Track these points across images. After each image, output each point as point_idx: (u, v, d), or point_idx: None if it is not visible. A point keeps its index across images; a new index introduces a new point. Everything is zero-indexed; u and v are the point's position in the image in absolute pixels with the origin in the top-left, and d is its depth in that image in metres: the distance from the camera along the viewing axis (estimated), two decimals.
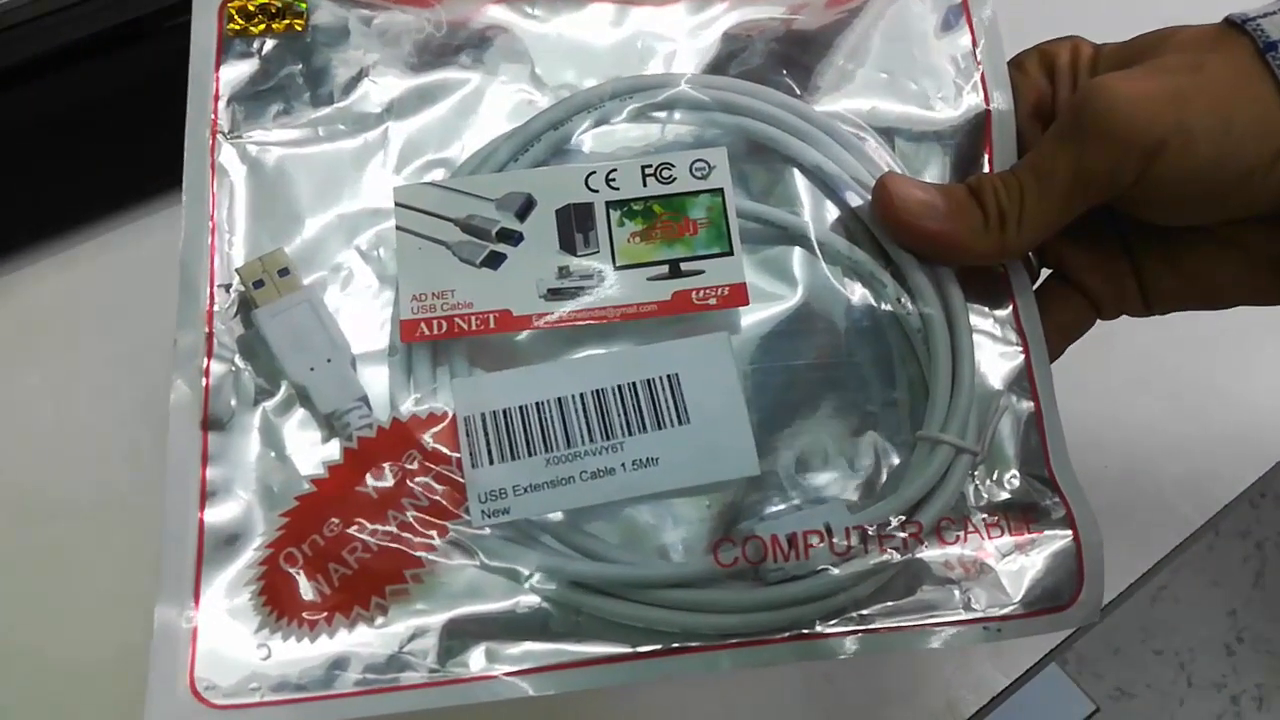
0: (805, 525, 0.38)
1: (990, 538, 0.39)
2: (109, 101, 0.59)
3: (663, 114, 0.43)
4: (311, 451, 0.39)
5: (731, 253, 0.40)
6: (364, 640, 0.37)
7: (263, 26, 0.43)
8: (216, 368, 0.39)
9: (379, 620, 0.37)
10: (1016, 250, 0.40)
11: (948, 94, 0.44)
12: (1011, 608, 0.39)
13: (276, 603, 0.37)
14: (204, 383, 0.39)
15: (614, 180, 0.41)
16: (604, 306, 0.40)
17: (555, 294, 0.40)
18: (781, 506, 0.39)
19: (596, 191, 0.41)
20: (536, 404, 0.39)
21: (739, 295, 0.40)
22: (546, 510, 0.38)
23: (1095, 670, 1.57)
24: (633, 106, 0.43)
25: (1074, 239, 0.43)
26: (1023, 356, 0.42)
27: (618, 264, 0.40)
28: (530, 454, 0.38)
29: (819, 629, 0.38)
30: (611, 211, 0.41)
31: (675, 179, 0.41)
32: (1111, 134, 0.38)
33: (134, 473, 0.53)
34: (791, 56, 0.44)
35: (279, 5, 0.43)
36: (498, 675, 0.37)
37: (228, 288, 0.40)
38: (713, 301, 0.40)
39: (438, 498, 0.38)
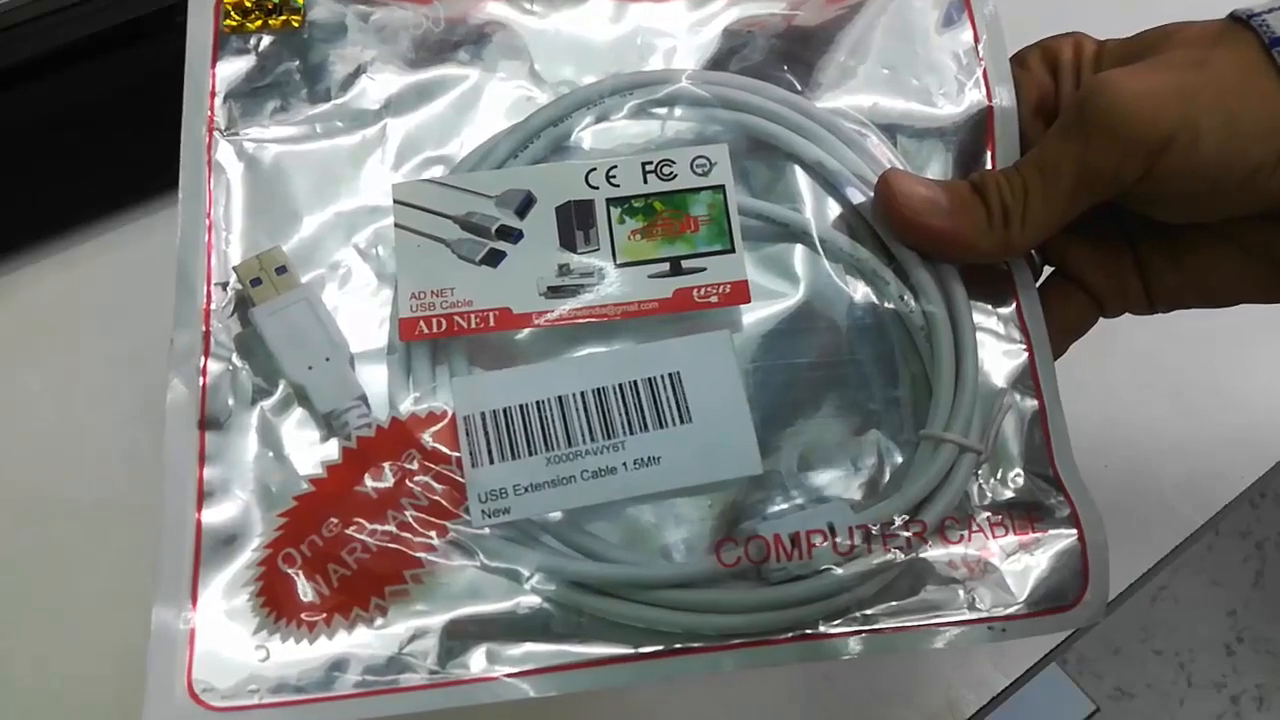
0: (808, 525, 0.38)
1: (994, 537, 0.39)
2: (109, 101, 0.59)
3: (663, 110, 0.43)
4: (310, 451, 0.39)
5: (733, 250, 0.40)
6: (363, 641, 0.36)
7: (259, 23, 0.43)
8: (214, 366, 0.39)
9: (378, 621, 0.37)
10: (1020, 247, 0.40)
11: (950, 90, 0.44)
12: (1016, 607, 0.38)
13: (275, 604, 0.36)
14: (201, 382, 0.39)
15: (614, 177, 0.41)
16: (605, 304, 0.40)
17: (555, 292, 0.40)
18: (784, 506, 0.39)
19: (597, 188, 0.41)
20: (537, 403, 0.39)
21: (740, 293, 0.40)
22: (547, 510, 0.38)
23: (1095, 670, 1.56)
24: (633, 103, 0.43)
25: (1077, 236, 0.42)
26: (1026, 354, 0.41)
27: (618, 261, 0.40)
28: (531, 453, 0.38)
29: (822, 629, 0.38)
30: (612, 209, 0.41)
31: (676, 176, 0.41)
32: (1116, 130, 0.37)
33: (133, 473, 0.53)
34: (792, 53, 0.44)
35: (275, 2, 0.43)
36: (499, 676, 0.36)
37: (225, 286, 0.40)
38: (714, 299, 0.40)
39: (437, 497, 0.38)
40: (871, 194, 0.42)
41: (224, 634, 0.36)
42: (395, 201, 0.41)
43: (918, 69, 0.44)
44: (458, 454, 0.38)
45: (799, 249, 0.42)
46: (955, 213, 0.40)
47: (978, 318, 0.41)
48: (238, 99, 0.42)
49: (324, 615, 0.36)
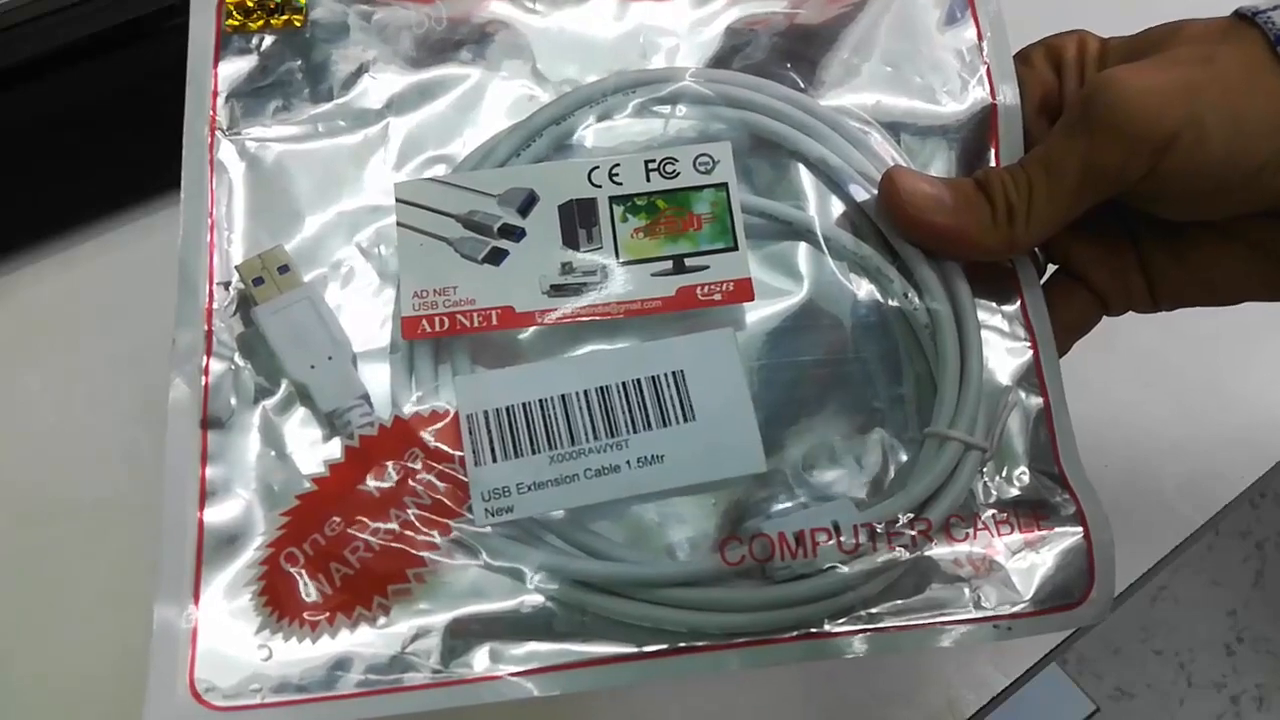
0: (813, 523, 0.38)
1: (1000, 535, 0.39)
2: (109, 101, 0.59)
3: (666, 109, 0.43)
4: (312, 450, 0.39)
5: (736, 248, 0.40)
6: (366, 641, 0.36)
7: (261, 23, 0.43)
8: (216, 366, 0.39)
9: (381, 620, 0.37)
10: (1025, 245, 0.40)
11: (953, 88, 0.44)
12: (1022, 606, 0.38)
13: (277, 603, 0.36)
14: (203, 381, 0.39)
15: (617, 175, 0.41)
16: (608, 303, 0.39)
17: (558, 290, 0.40)
18: (788, 504, 0.39)
19: (599, 187, 0.41)
20: (540, 401, 0.38)
21: (744, 291, 0.40)
22: (550, 508, 0.38)
23: (1095, 670, 1.56)
24: (636, 101, 0.43)
25: (1080, 234, 0.42)
26: (1031, 352, 0.41)
27: (621, 260, 0.40)
28: (534, 452, 0.38)
29: (827, 628, 0.38)
30: (615, 207, 0.40)
31: (679, 174, 0.41)
32: (1121, 127, 0.37)
33: (133, 473, 0.53)
34: (795, 51, 0.44)
35: (277, 1, 0.43)
36: (502, 676, 0.36)
37: (227, 285, 0.40)
38: (718, 297, 0.40)
39: (440, 496, 0.37)
40: (875, 192, 0.42)
41: (226, 633, 0.36)
42: (398, 200, 0.40)
43: (921, 67, 0.44)
44: (460, 453, 0.38)
45: (802, 247, 0.42)
46: (960, 210, 0.40)
47: (982, 315, 0.41)
48: (240, 98, 0.42)
49: (326, 614, 0.36)
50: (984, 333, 0.41)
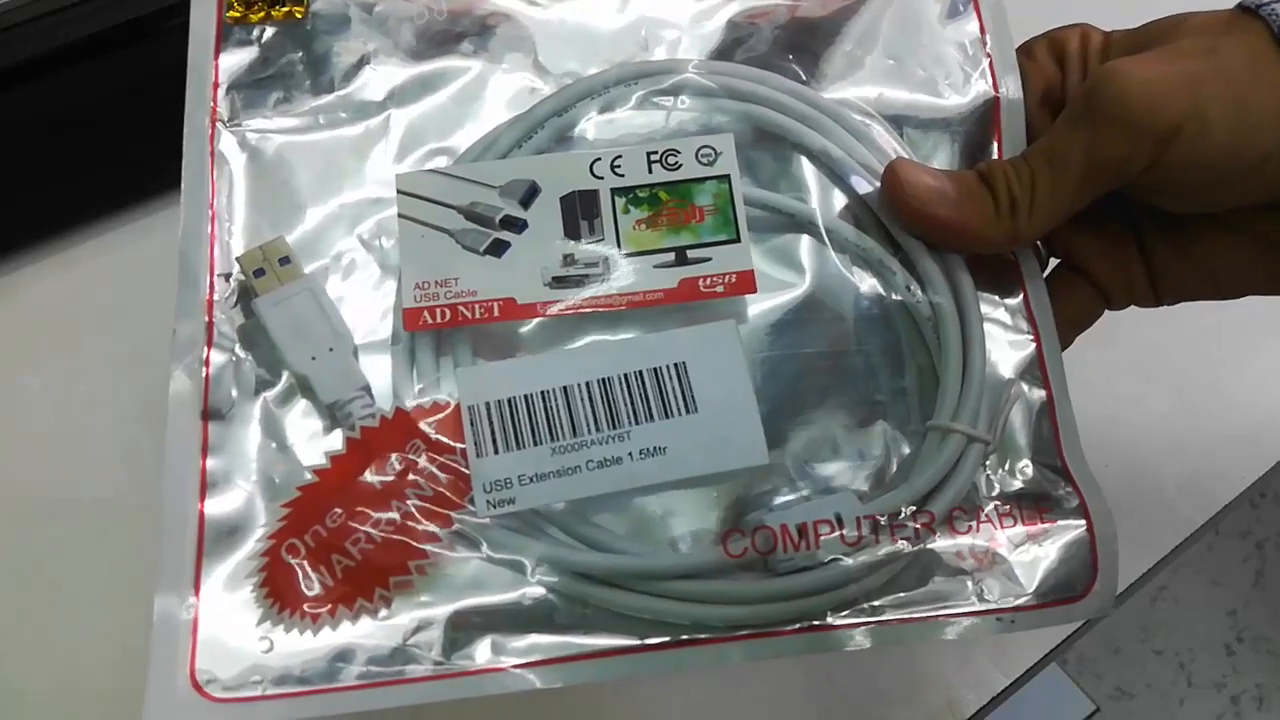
0: (815, 515, 0.38)
1: (1002, 528, 0.39)
2: (109, 101, 0.58)
3: (668, 101, 0.43)
4: (313, 442, 0.38)
5: (738, 240, 0.40)
6: (367, 632, 0.36)
7: (262, 14, 0.43)
8: (216, 357, 0.39)
9: (382, 612, 0.36)
10: (1028, 237, 0.40)
11: (956, 81, 0.44)
12: (1025, 599, 0.38)
13: (278, 594, 0.36)
14: (204, 372, 0.38)
15: (619, 167, 0.41)
16: (610, 294, 0.39)
17: (560, 282, 0.39)
18: (791, 496, 0.39)
19: (601, 178, 0.41)
20: (542, 393, 0.38)
21: (746, 283, 0.40)
22: (552, 500, 0.38)
23: (1095, 670, 1.56)
24: (638, 93, 0.43)
25: (1083, 227, 0.42)
26: (1034, 345, 0.41)
27: (623, 251, 0.40)
28: (536, 443, 0.38)
29: (830, 620, 0.37)
30: (617, 198, 0.40)
31: (681, 165, 0.41)
32: (1125, 119, 0.37)
33: (133, 473, 0.53)
34: (798, 43, 0.44)
35: None
36: (504, 668, 0.36)
37: (228, 276, 0.40)
38: (720, 289, 0.40)
39: (442, 488, 0.37)
40: (878, 184, 0.42)
41: (227, 625, 0.36)
42: (399, 192, 0.40)
43: (923, 59, 0.44)
44: (462, 444, 0.38)
45: (805, 239, 0.42)
46: (962, 202, 0.40)
47: (985, 308, 0.41)
48: (241, 90, 0.42)
49: (328, 606, 0.36)
50: (987, 325, 0.41)
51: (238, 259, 0.40)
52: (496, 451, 0.38)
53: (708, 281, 0.40)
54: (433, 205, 0.40)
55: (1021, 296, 0.42)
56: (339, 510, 0.37)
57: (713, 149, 0.41)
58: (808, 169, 0.43)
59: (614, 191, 0.40)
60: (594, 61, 0.44)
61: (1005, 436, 0.40)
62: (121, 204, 0.59)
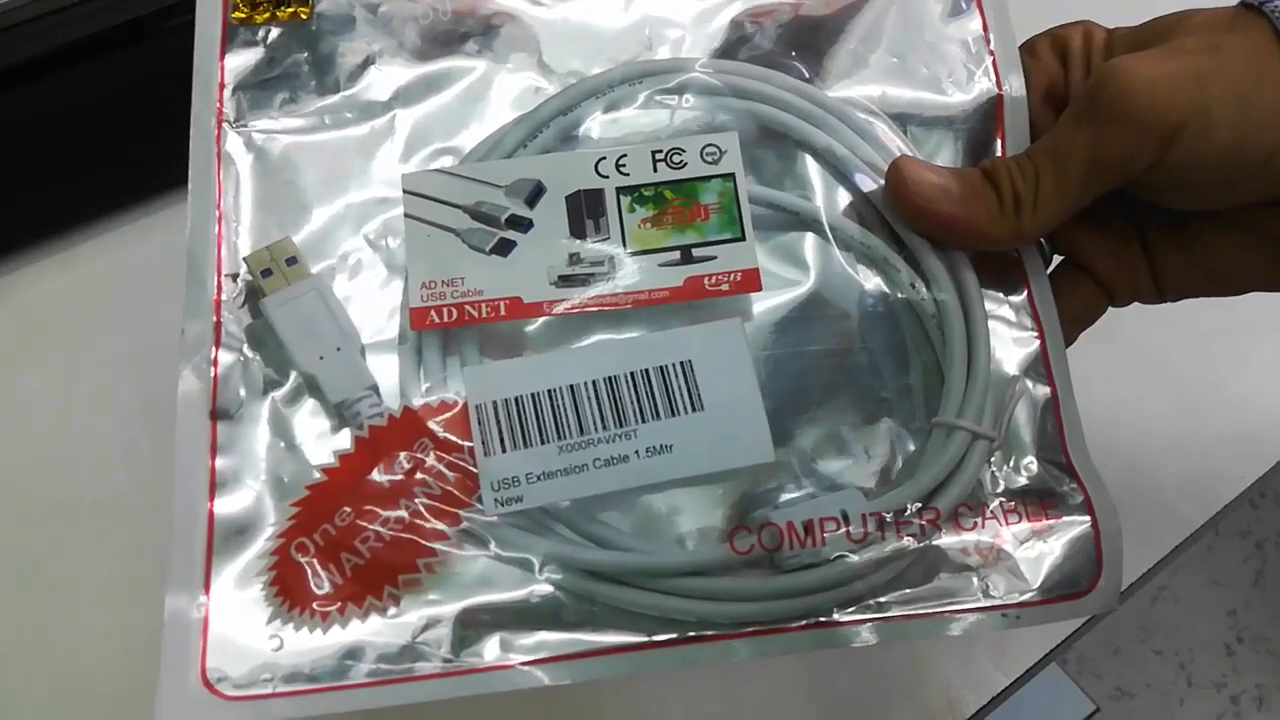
0: (821, 512, 0.38)
1: (1008, 524, 0.39)
2: (109, 101, 0.59)
3: (673, 100, 0.43)
4: (322, 441, 0.38)
5: (743, 238, 0.40)
6: (377, 630, 0.36)
7: (267, 15, 0.43)
8: (225, 357, 0.39)
9: (391, 610, 0.37)
10: (1032, 234, 0.40)
11: (959, 78, 0.44)
12: (1030, 595, 0.38)
13: (288, 593, 0.36)
14: (212, 372, 0.39)
15: (624, 166, 0.41)
16: (615, 293, 0.39)
17: (566, 281, 0.40)
18: (797, 494, 0.39)
19: (606, 177, 0.41)
20: (549, 392, 0.38)
21: (751, 281, 0.40)
22: (560, 498, 0.38)
23: (1095, 670, 1.56)
24: (642, 92, 0.43)
25: (1086, 224, 0.42)
26: (1038, 342, 0.41)
27: (629, 250, 0.40)
28: (543, 442, 0.38)
29: (836, 617, 0.38)
30: (622, 197, 0.40)
31: (686, 164, 0.41)
32: (1128, 116, 0.37)
33: (133, 473, 0.53)
34: (802, 41, 0.44)
35: None
36: (513, 665, 0.36)
37: (235, 277, 0.40)
38: (725, 287, 0.40)
39: (450, 486, 0.38)
40: (882, 182, 0.42)
41: (237, 623, 0.36)
42: (405, 192, 0.40)
43: (927, 57, 0.44)
44: (470, 443, 0.38)
45: (809, 237, 0.42)
46: (966, 200, 0.40)
47: (989, 305, 0.41)
48: (246, 91, 0.42)
49: (337, 604, 0.36)
50: (991, 322, 0.41)
51: (245, 259, 0.40)
52: (504, 450, 0.38)
53: (713, 280, 0.40)
54: (439, 205, 0.40)
55: (1026, 293, 0.42)
56: (348, 509, 0.37)
57: (717, 147, 0.41)
58: (812, 167, 0.43)
59: (619, 190, 0.41)
60: (598, 61, 0.44)
61: (1010, 433, 0.40)
62: (121, 204, 0.59)
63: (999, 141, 0.43)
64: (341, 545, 0.37)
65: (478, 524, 0.37)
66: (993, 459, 0.40)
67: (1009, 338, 0.41)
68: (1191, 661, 1.59)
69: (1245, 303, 0.44)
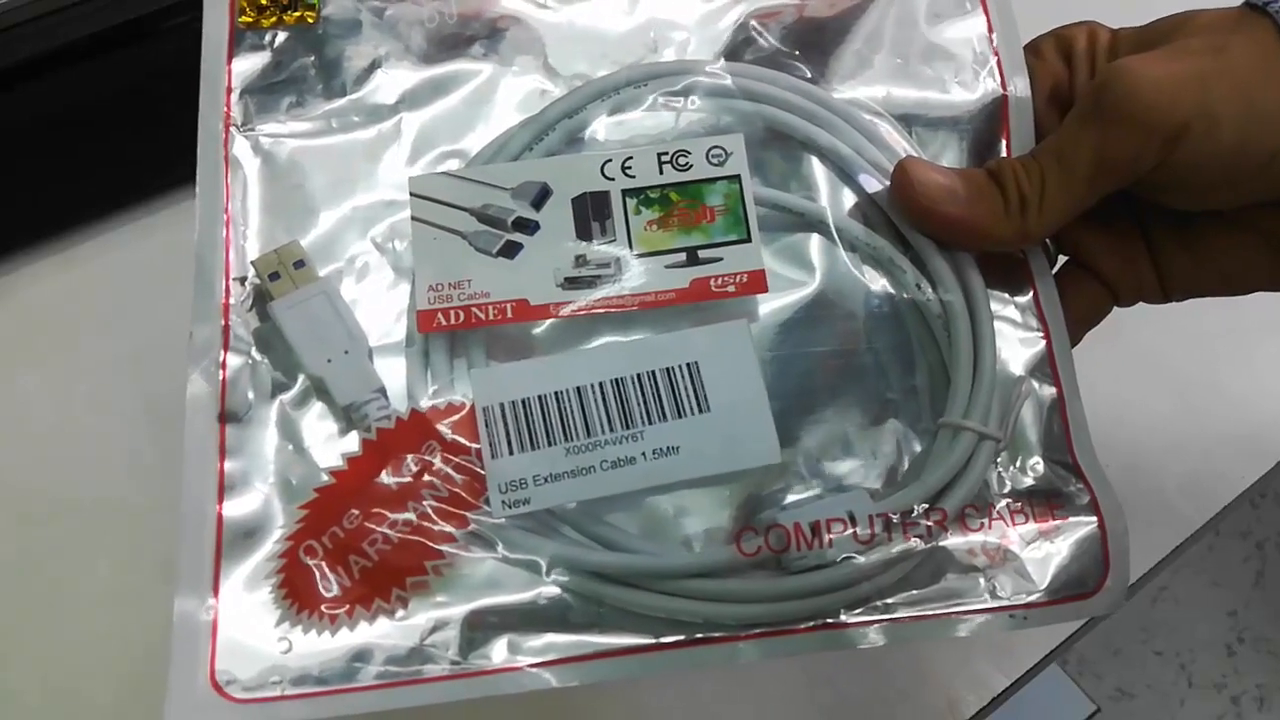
0: (828, 513, 0.38)
1: (1014, 525, 0.39)
2: (109, 101, 0.59)
3: (678, 102, 0.43)
4: (330, 444, 0.39)
5: (749, 239, 0.40)
6: (385, 633, 0.36)
7: (274, 19, 0.43)
8: (233, 360, 0.39)
9: (399, 613, 0.37)
10: (1037, 235, 0.40)
11: (964, 79, 0.44)
12: (1037, 595, 0.38)
13: (296, 595, 0.36)
14: (221, 376, 0.39)
15: (630, 168, 0.41)
16: (622, 295, 0.39)
17: (572, 283, 0.40)
18: (803, 495, 0.39)
19: (612, 179, 0.41)
20: (555, 394, 0.38)
21: (757, 282, 0.40)
22: (567, 500, 0.38)
23: (1095, 670, 1.57)
24: (648, 95, 0.43)
25: (1091, 224, 0.42)
26: (1044, 342, 0.41)
27: (635, 252, 0.40)
28: (550, 444, 0.38)
29: (843, 618, 0.38)
30: (628, 199, 0.41)
31: (692, 166, 0.41)
32: (1133, 117, 0.37)
33: (133, 473, 0.53)
34: (806, 43, 0.44)
35: None
36: (520, 667, 0.36)
37: (243, 280, 0.40)
38: (731, 289, 0.40)
39: (457, 489, 0.38)
40: (887, 182, 0.42)
41: (246, 626, 0.36)
42: (412, 195, 0.41)
43: (931, 58, 0.44)
44: (477, 445, 0.38)
45: (815, 238, 0.42)
46: (972, 200, 0.40)
47: (995, 306, 0.41)
48: (253, 94, 0.42)
49: (345, 607, 0.36)
50: (997, 323, 0.41)
51: (253, 263, 0.40)
52: (511, 452, 0.38)
53: (719, 281, 0.40)
54: (445, 208, 0.40)
55: (1031, 294, 0.42)
56: (356, 511, 0.37)
57: (723, 149, 0.41)
58: (817, 168, 0.43)
59: (625, 192, 0.41)
60: (603, 64, 0.44)
61: (1016, 434, 0.40)
62: (121, 204, 0.59)
63: (1004, 142, 0.43)
64: (350, 548, 0.37)
65: (485, 526, 0.37)
66: (999, 460, 0.40)
67: (1015, 338, 0.41)
68: (1192, 662, 1.59)
69: (1247, 303, 0.44)
